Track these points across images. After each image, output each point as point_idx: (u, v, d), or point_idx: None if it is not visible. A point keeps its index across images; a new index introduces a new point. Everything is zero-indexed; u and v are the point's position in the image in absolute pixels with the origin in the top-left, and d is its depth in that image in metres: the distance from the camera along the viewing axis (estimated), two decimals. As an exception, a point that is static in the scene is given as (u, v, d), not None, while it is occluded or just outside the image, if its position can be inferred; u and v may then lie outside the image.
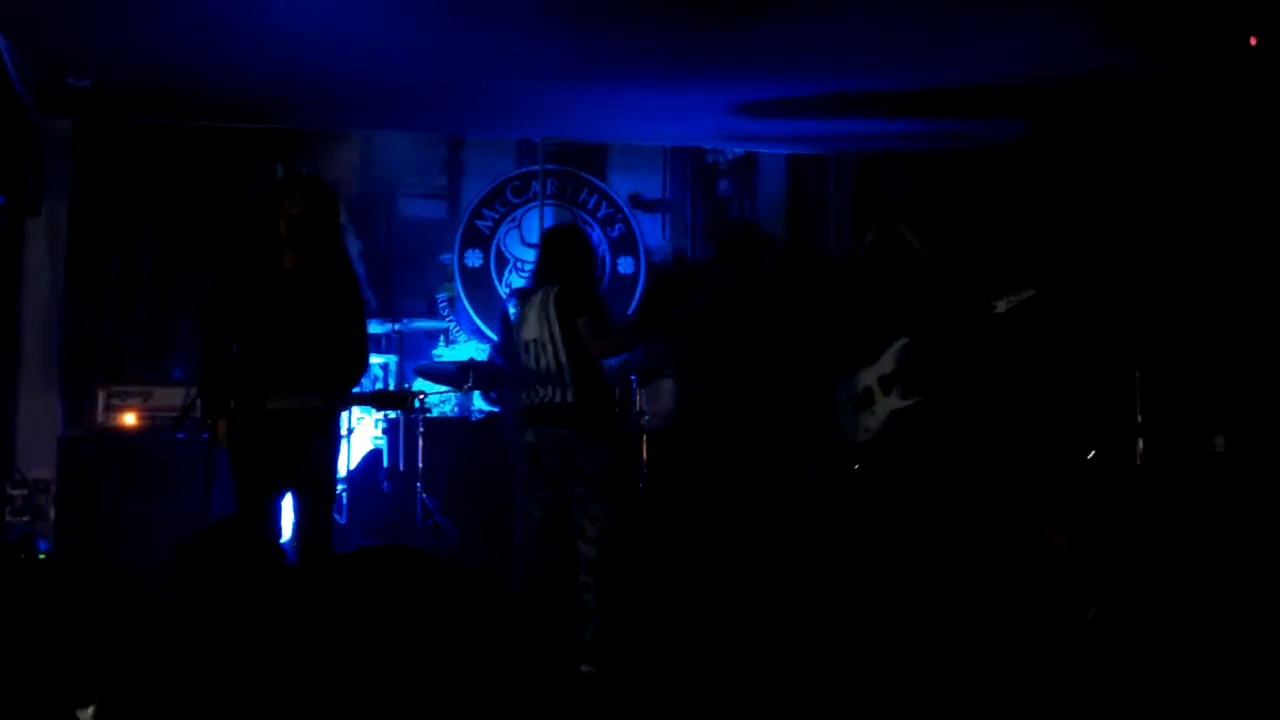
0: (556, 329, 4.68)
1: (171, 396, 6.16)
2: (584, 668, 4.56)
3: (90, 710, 2.45)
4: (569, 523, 4.68)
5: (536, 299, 4.76)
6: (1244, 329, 5.78)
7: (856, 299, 6.35)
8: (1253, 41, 4.51)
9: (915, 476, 5.68)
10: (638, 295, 7.89)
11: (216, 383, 4.27)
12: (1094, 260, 6.38)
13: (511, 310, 4.86)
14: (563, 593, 4.70)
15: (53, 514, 6.11)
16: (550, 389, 4.67)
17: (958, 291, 5.69)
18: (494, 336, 7.78)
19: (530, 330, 4.73)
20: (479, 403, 7.41)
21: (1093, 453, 6.08)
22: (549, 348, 4.68)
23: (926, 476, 5.68)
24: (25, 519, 6.25)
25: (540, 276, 4.86)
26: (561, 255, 4.84)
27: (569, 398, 4.64)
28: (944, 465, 5.67)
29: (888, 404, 5.66)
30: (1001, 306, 5.47)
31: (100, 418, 6.10)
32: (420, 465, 6.69)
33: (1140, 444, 5.79)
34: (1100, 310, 6.28)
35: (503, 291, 7.95)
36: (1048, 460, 6.03)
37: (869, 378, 5.76)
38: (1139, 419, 5.72)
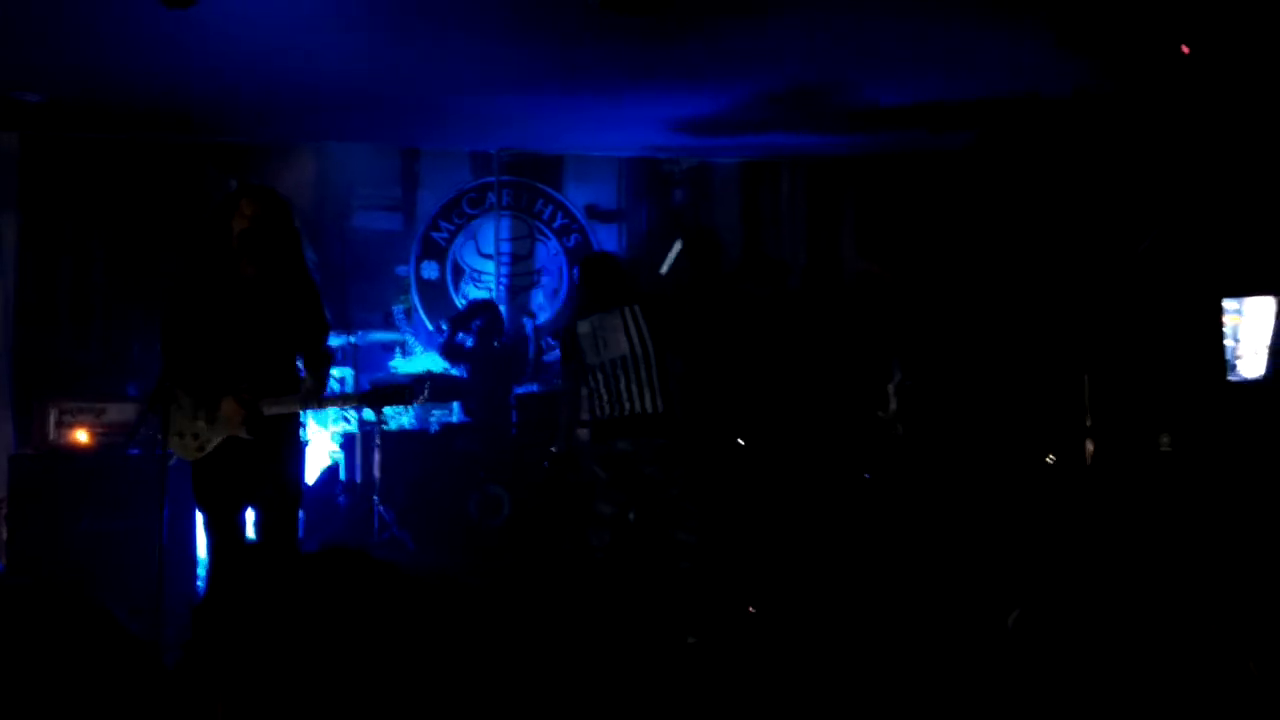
0: (650, 342, 4.99)
1: (124, 413, 6.11)
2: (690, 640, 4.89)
3: None
4: (647, 524, 5.16)
5: (615, 319, 5.03)
6: (1186, 330, 5.91)
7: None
8: (1184, 50, 4.64)
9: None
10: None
11: (192, 374, 4.17)
12: (1043, 266, 6.49)
13: (582, 332, 5.10)
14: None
15: (4, 532, 6.04)
16: (644, 401, 4.97)
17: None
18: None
19: (617, 348, 5.00)
20: (436, 415, 7.40)
21: (1051, 456, 6.20)
22: (642, 360, 4.98)
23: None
24: (-25, 538, 6.17)
25: (599, 299, 5.12)
26: (616, 278, 5.20)
27: (660, 406, 4.97)
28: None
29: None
30: None
31: (52, 435, 6.03)
32: (377, 478, 6.67)
33: (1090, 445, 5.91)
34: (1049, 316, 6.39)
35: (459, 302, 7.95)
36: (1015, 464, 6.20)
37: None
38: (1088, 421, 5.84)
